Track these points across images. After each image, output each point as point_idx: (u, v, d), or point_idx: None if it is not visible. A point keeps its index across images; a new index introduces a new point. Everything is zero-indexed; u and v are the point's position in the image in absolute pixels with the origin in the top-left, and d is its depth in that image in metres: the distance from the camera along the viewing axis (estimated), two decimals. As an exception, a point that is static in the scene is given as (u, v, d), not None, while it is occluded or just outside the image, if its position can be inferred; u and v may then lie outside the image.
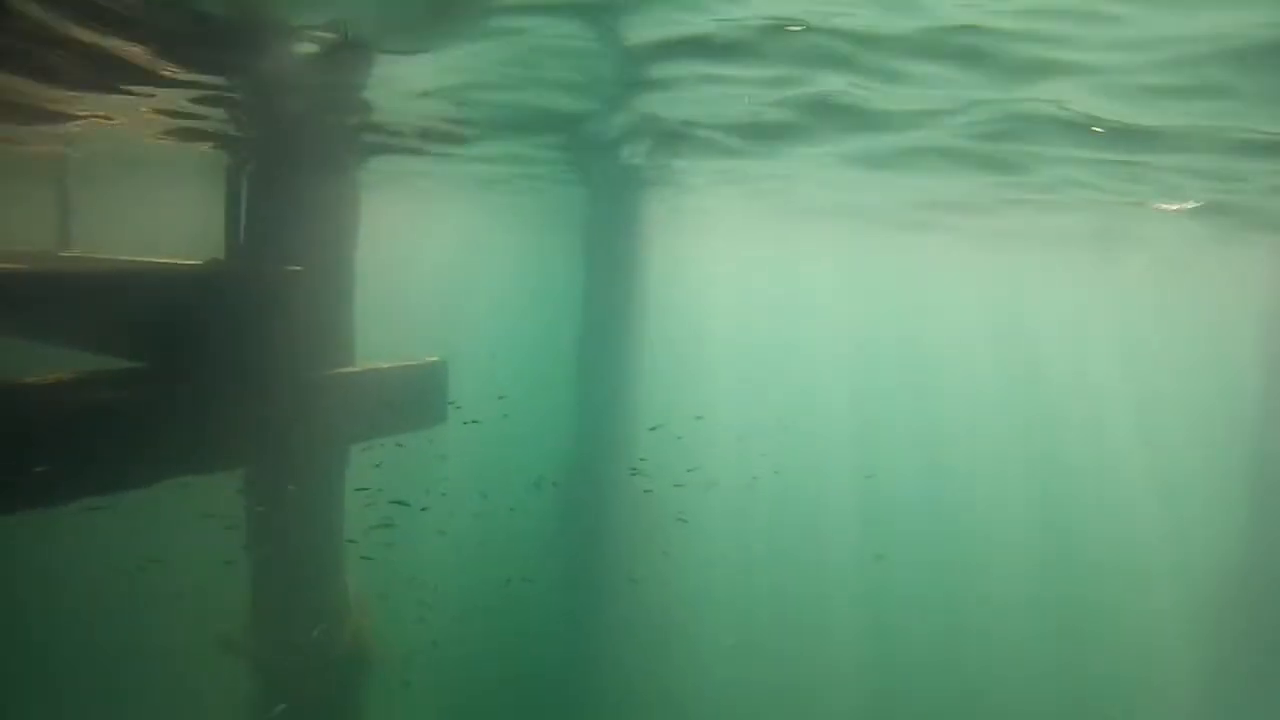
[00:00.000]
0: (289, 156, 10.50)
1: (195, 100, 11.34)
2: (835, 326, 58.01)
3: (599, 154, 14.76)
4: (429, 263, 45.30)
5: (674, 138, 13.39)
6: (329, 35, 8.59)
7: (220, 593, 11.70)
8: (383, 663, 11.99)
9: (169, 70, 9.89)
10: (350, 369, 10.02)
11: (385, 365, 10.29)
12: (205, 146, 13.86)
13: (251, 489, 10.30)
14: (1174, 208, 17.58)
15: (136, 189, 22.64)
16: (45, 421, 7.19)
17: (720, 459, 24.99)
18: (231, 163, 10.18)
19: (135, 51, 9.01)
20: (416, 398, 10.47)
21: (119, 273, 8.52)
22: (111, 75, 9.84)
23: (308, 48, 8.96)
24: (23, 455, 7.00)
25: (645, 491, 18.21)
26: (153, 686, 15.79)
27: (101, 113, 12.37)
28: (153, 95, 11.04)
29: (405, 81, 10.38)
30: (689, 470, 18.66)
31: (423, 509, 14.46)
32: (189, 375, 8.23)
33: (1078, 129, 10.92)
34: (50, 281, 8.07)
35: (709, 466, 22.26)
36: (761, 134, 12.49)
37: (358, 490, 11.28)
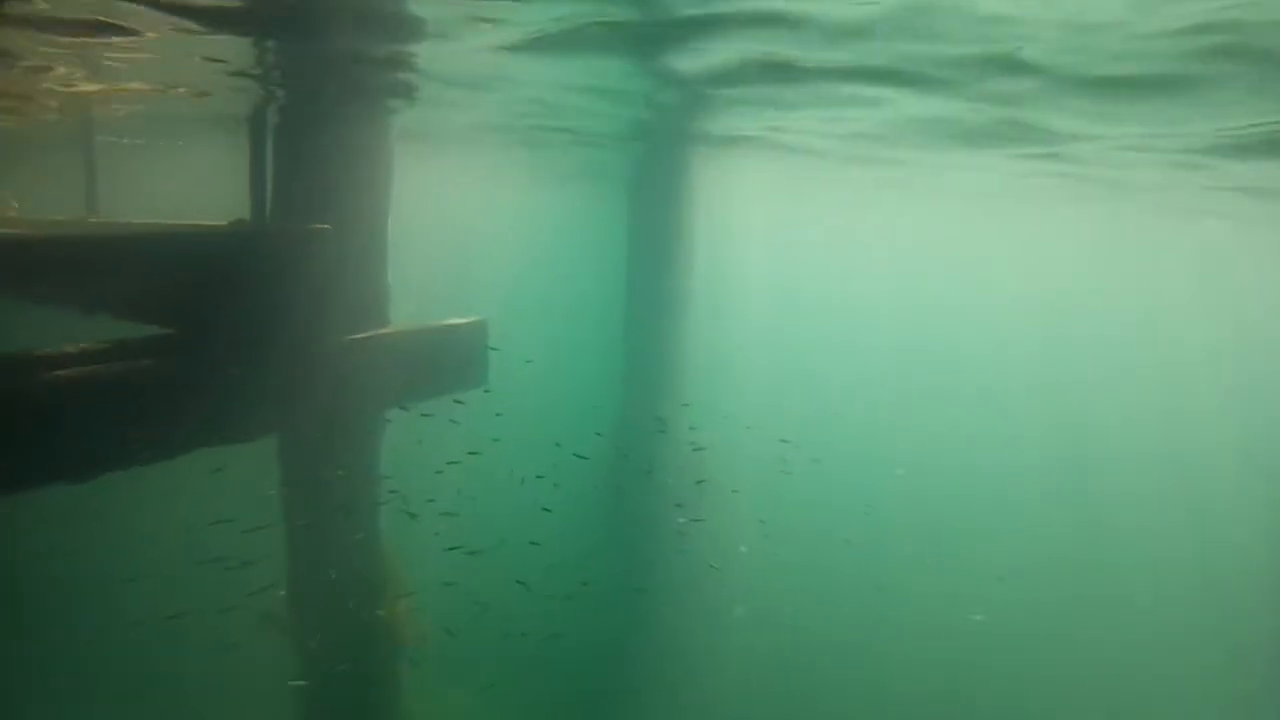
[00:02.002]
0: (317, 104, 10.29)
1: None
2: (908, 303, 57.44)
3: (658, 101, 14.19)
4: (467, 221, 45.26)
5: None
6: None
7: (255, 565, 11.71)
8: (421, 638, 11.96)
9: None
10: (385, 330, 9.86)
11: (422, 326, 10.11)
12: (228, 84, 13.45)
13: (283, 458, 10.22)
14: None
15: (161, 152, 22.66)
16: (67, 392, 7.08)
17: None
18: (254, 113, 10.00)
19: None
20: (456, 359, 10.28)
21: (138, 236, 8.37)
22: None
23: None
24: (46, 428, 6.93)
25: (696, 449, 18.05)
26: (185, 662, 15.92)
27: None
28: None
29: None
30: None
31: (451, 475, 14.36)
32: (214, 340, 8.08)
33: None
34: (68, 246, 7.94)
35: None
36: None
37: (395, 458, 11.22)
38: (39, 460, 6.94)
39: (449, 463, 12.01)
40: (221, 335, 8.12)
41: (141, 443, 7.33)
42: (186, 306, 8.23)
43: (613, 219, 20.90)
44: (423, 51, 10.47)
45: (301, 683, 11.41)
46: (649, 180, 20.38)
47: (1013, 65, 9.44)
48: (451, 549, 12.05)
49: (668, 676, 19.88)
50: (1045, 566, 28.54)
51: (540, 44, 9.37)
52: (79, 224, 10.92)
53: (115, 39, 9.80)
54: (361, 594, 11.10)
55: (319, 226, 9.07)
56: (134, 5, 8.20)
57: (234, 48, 10.27)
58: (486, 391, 10.78)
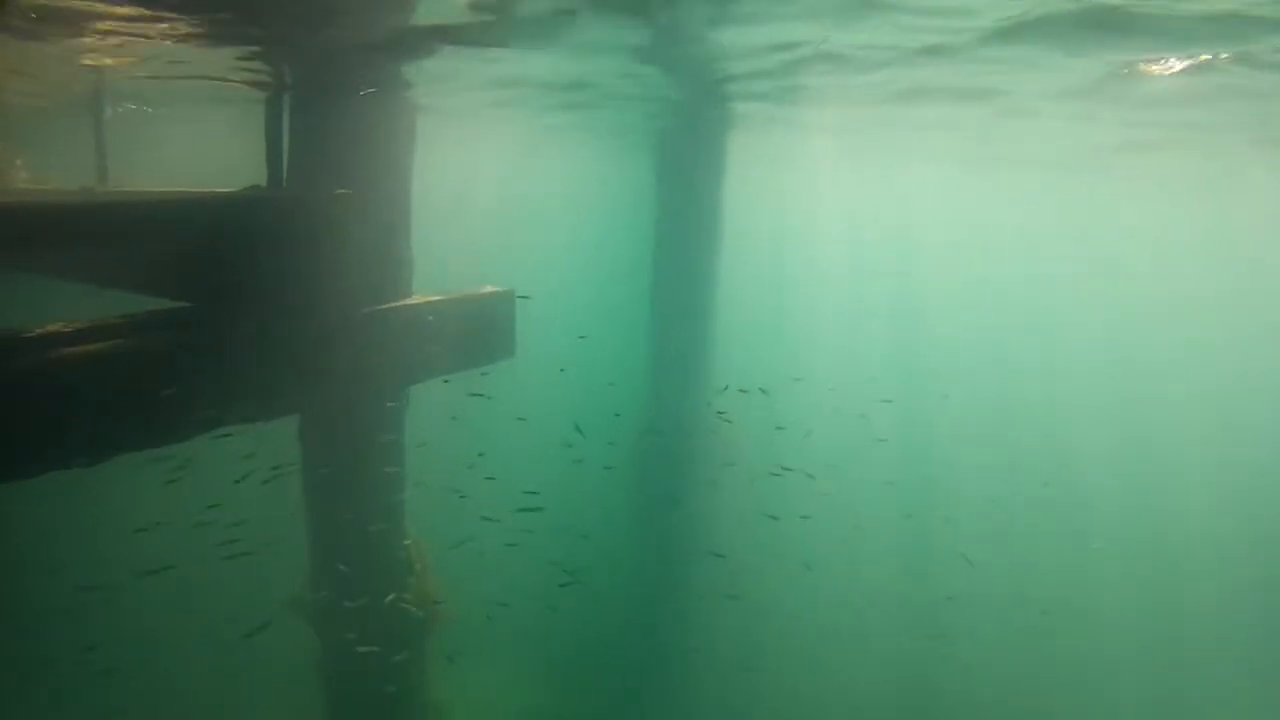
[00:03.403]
0: (335, 67, 9.99)
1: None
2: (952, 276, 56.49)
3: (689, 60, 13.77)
4: (492, 188, 44.95)
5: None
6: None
7: (278, 547, 11.55)
8: (447, 621, 11.79)
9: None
10: (408, 301, 9.58)
11: (447, 296, 9.83)
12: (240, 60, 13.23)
13: (304, 436, 10.00)
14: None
15: (174, 120, 22.42)
16: (77, 371, 6.85)
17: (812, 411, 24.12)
18: (273, 75, 9.71)
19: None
20: (482, 331, 10.00)
21: (147, 203, 8.10)
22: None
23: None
24: (57, 409, 6.70)
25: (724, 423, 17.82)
26: (208, 644, 15.88)
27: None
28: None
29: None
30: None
31: (480, 454, 14.18)
32: (228, 314, 7.82)
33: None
34: (75, 214, 7.68)
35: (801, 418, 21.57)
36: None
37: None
38: (46, 443, 6.72)
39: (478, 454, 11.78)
40: (236, 307, 7.85)
41: (153, 423, 7.09)
42: (199, 278, 7.98)
43: (642, 185, 20.48)
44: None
45: (329, 667, 11.31)
46: (682, 145, 19.93)
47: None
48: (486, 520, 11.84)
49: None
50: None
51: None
52: (87, 192, 10.68)
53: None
54: (386, 577, 10.92)
55: (339, 192, 8.78)
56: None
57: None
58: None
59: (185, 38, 11.04)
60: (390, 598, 10.90)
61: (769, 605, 21.33)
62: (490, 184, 44.35)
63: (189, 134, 24.55)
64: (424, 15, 9.55)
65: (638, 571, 19.73)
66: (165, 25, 10.19)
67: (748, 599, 19.71)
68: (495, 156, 37.10)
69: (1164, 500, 33.58)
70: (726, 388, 17.88)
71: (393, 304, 9.26)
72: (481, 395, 10.91)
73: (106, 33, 10.43)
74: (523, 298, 10.49)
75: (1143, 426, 41.69)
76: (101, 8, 9.06)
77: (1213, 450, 38.51)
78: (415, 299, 9.64)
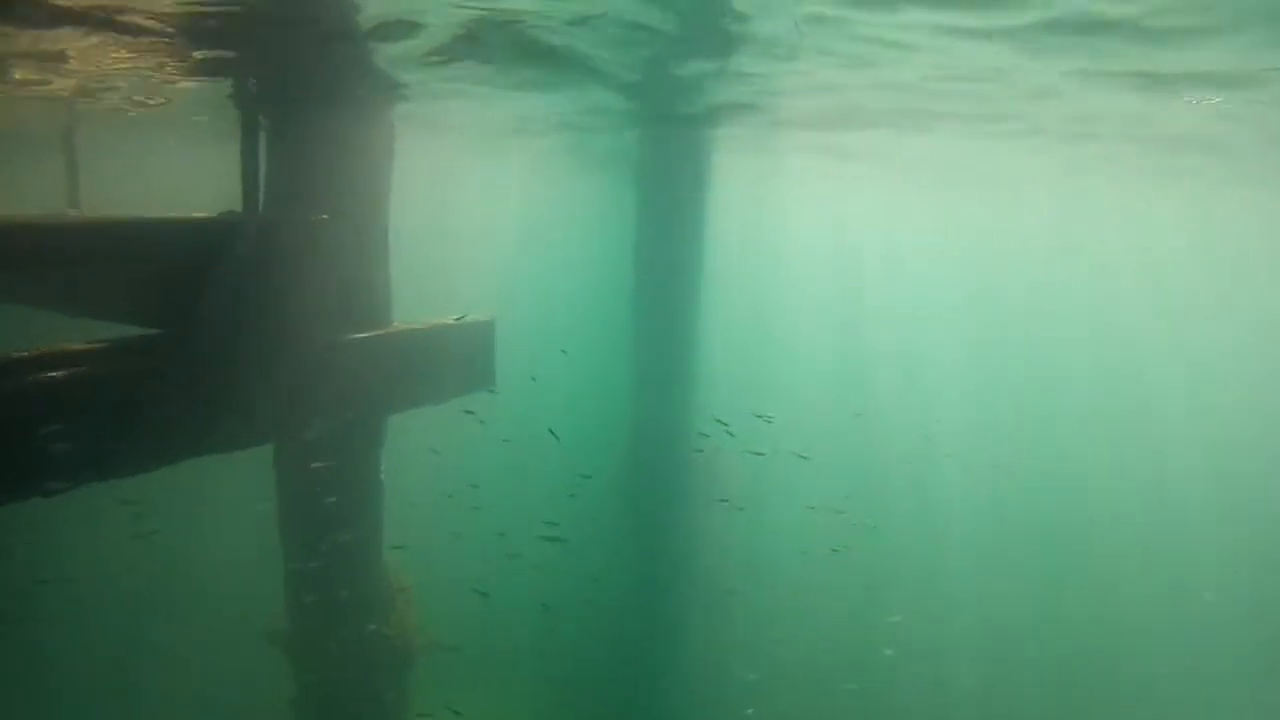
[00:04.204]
0: (313, 88, 9.90)
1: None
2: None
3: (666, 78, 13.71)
4: (470, 215, 44.87)
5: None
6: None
7: (252, 578, 11.38)
8: (425, 655, 11.61)
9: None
10: (385, 330, 9.46)
11: (425, 325, 9.72)
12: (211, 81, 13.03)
13: (278, 467, 9.85)
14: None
15: (147, 145, 22.29)
16: (45, 398, 6.70)
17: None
18: (248, 97, 9.60)
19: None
20: (461, 361, 9.89)
21: (121, 229, 7.97)
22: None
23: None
24: (22, 435, 6.55)
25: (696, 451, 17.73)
26: (186, 677, 15.66)
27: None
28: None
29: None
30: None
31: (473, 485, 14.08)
32: (202, 341, 7.70)
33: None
34: (43, 241, 7.54)
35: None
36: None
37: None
38: (15, 470, 6.57)
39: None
40: (208, 335, 7.72)
41: (116, 455, 6.94)
42: (169, 305, 7.84)
43: (622, 209, 20.45)
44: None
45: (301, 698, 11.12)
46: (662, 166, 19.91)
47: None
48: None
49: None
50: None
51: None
52: (56, 216, 10.52)
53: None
54: (364, 608, 10.76)
55: (315, 217, 8.67)
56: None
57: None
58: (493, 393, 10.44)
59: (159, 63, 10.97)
60: (370, 629, 10.75)
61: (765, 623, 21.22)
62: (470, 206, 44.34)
63: (168, 161, 24.45)
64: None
65: (625, 599, 19.55)
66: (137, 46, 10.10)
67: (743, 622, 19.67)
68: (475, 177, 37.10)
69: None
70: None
71: (368, 333, 9.13)
72: (472, 413, 10.80)
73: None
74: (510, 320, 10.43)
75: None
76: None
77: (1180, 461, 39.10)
78: (392, 327, 9.53)
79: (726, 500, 17.59)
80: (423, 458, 13.93)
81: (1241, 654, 23.78)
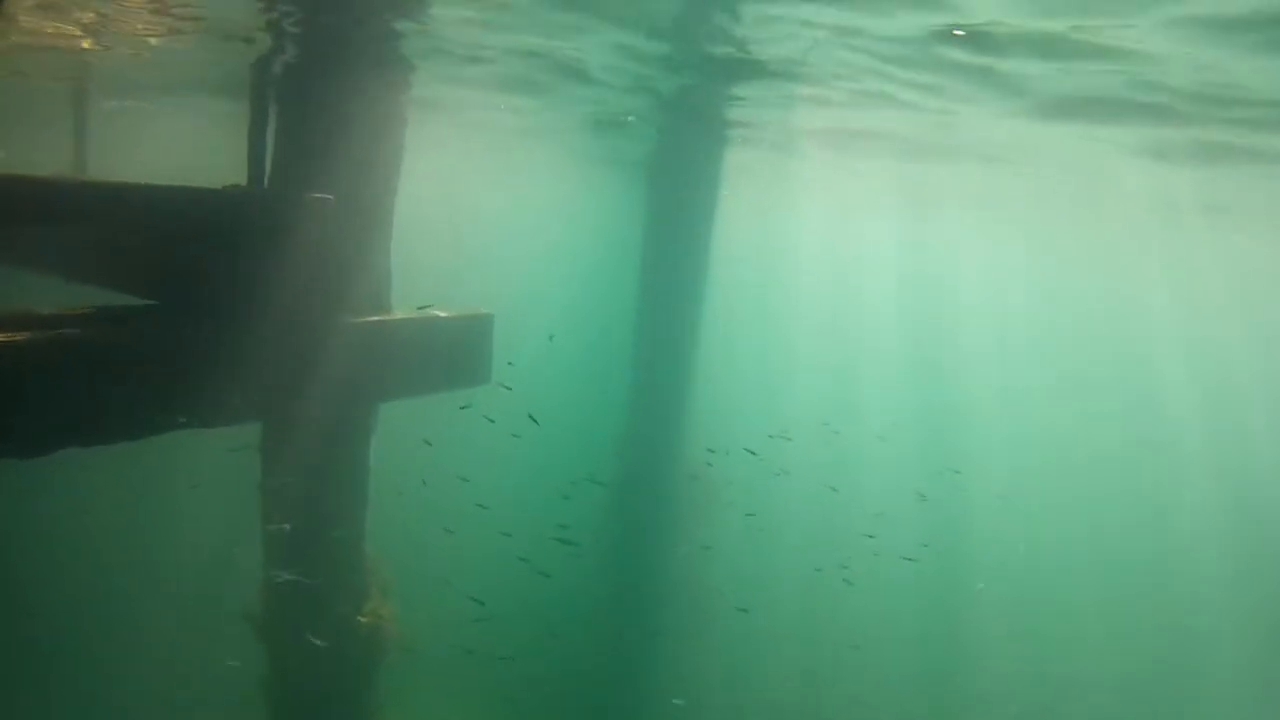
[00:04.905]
0: (328, 62, 9.75)
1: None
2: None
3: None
4: (477, 205, 44.78)
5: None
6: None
7: (234, 563, 11.22)
8: (403, 650, 11.46)
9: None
10: (384, 317, 9.33)
11: (425, 314, 9.58)
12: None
13: (265, 448, 9.69)
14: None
15: (158, 115, 22.21)
16: (32, 362, 6.55)
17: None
18: (258, 70, 9.47)
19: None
20: (459, 353, 9.74)
21: (119, 196, 7.82)
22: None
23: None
24: (7, 399, 6.40)
25: (696, 471, 17.60)
26: (158, 662, 15.47)
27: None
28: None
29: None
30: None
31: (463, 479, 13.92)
32: (194, 315, 7.55)
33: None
34: (36, 204, 7.37)
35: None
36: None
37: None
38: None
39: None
40: (202, 308, 7.57)
41: (99, 421, 6.79)
42: (162, 275, 7.70)
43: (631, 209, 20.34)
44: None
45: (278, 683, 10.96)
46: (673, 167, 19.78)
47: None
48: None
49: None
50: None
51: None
52: (53, 178, 10.37)
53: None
54: (342, 596, 10.61)
55: (319, 196, 8.52)
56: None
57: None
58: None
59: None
60: (347, 616, 10.60)
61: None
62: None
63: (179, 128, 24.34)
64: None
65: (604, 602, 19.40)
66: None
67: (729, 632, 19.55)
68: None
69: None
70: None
71: (365, 318, 8.99)
72: (464, 404, 10.66)
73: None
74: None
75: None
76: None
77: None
78: (390, 314, 9.39)
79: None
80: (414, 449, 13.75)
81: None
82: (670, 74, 13.03)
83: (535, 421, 13.93)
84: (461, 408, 10.46)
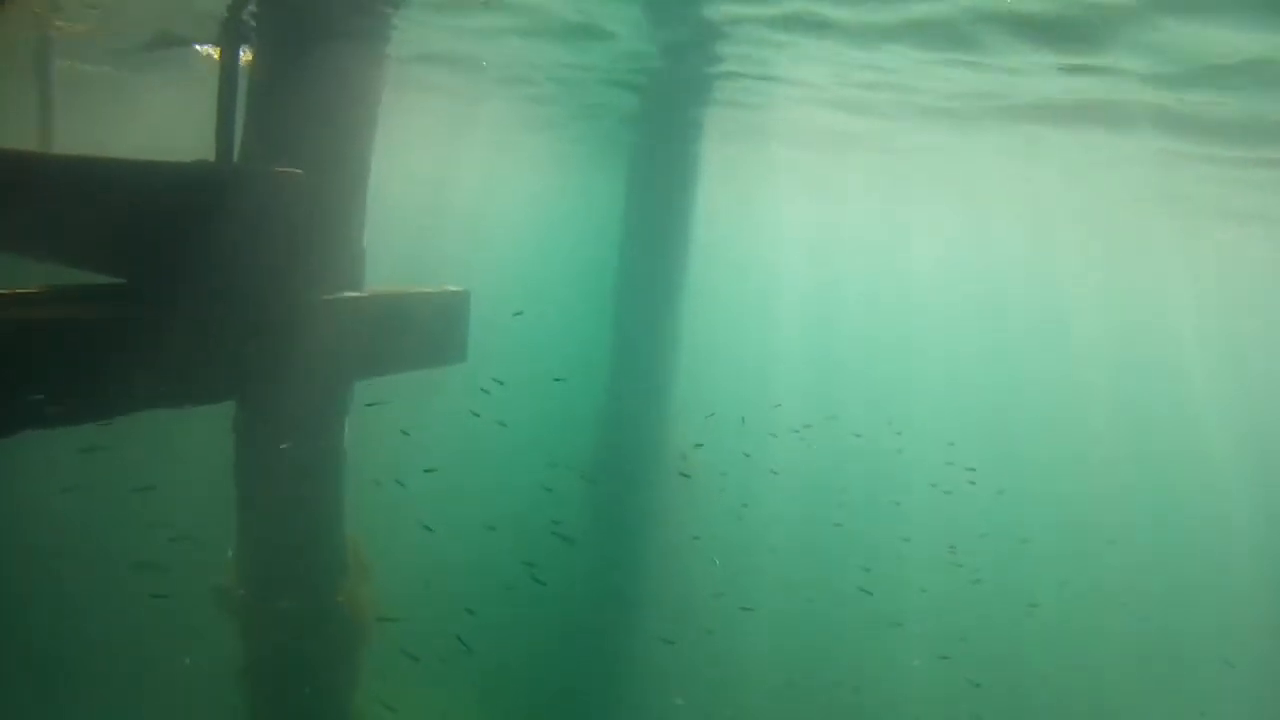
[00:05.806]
0: (300, 32, 9.53)
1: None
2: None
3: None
4: (454, 183, 44.47)
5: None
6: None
7: (206, 541, 11.07)
8: (380, 631, 11.36)
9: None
10: (357, 293, 9.16)
11: (399, 291, 9.43)
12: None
13: (237, 427, 9.54)
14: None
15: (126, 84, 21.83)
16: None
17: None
18: (227, 39, 9.25)
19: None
20: (434, 331, 9.60)
21: (83, 170, 7.61)
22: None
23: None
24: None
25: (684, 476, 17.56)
26: (127, 641, 15.33)
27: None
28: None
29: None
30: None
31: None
32: (162, 292, 7.38)
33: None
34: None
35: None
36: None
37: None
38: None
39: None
40: (168, 285, 7.40)
41: (66, 400, 6.63)
42: (128, 251, 7.52)
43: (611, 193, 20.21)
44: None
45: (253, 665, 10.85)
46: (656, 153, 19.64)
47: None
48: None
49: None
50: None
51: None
52: (15, 152, 10.14)
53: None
54: (318, 576, 10.49)
55: (288, 170, 8.34)
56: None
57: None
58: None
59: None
60: (323, 597, 10.50)
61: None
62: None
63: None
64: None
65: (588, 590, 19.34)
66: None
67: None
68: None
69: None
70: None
71: (338, 294, 8.84)
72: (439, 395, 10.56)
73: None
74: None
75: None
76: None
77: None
78: (363, 290, 9.24)
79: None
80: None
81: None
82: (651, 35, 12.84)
83: (500, 382, 13.81)
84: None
